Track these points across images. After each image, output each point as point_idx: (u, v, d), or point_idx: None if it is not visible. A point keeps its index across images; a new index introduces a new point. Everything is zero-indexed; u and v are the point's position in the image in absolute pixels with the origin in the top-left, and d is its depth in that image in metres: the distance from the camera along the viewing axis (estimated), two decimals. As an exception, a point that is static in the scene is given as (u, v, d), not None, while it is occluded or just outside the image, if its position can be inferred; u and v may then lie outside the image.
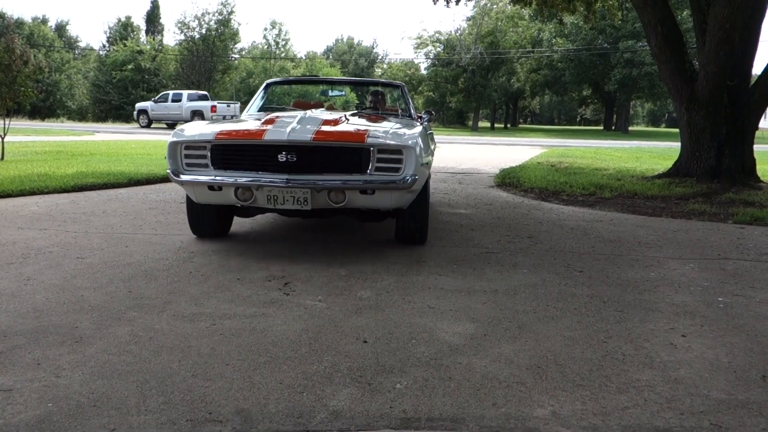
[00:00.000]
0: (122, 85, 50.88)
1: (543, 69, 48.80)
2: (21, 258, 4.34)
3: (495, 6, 48.63)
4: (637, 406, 2.34)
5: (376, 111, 6.39)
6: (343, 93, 6.85)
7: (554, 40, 46.59)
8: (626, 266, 4.56)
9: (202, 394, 2.34)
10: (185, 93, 32.14)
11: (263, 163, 4.28)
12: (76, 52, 65.31)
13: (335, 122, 4.67)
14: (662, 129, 70.81)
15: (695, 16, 10.07)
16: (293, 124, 4.37)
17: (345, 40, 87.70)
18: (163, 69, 53.04)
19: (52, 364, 2.56)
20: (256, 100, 6.67)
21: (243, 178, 4.24)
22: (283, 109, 6.10)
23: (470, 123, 52.83)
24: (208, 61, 51.36)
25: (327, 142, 4.22)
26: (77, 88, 56.84)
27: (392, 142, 4.24)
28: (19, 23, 54.07)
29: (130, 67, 50.76)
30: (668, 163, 11.46)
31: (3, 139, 11.85)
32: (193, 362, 2.62)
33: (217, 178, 4.30)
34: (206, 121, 5.02)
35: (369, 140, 4.22)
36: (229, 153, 4.38)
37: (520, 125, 66.47)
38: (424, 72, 53.90)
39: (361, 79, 8.76)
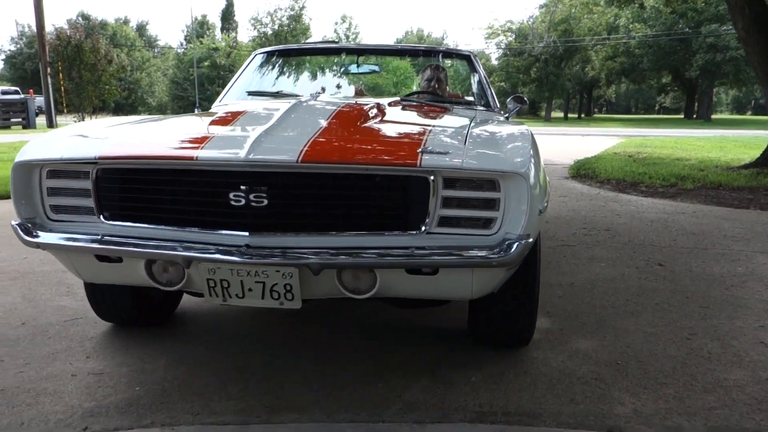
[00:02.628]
0: (199, 81, 52.43)
1: (619, 56, 47.23)
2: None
3: (569, -7, 47.43)
4: (724, 407, 2.24)
5: (435, 97, 3.68)
6: (378, 69, 4.22)
7: (632, 26, 45.03)
8: (711, 260, 4.37)
9: (278, 383, 2.39)
10: None
11: (202, 209, 2.08)
12: (156, 50, 67.69)
13: (357, 117, 2.52)
14: (748, 117, 67.47)
15: (786, -4, 9.52)
16: (267, 125, 2.16)
17: (414, 32, 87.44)
18: (238, 65, 54.33)
19: (139, 351, 2.67)
20: (237, 81, 4.04)
21: (161, 242, 2.09)
22: (279, 96, 3.69)
23: (543, 113, 51.82)
24: (281, 57, 52.15)
25: (331, 164, 1.99)
26: (157, 85, 58.94)
27: (477, 165, 1.96)
28: (103, 24, 56.52)
29: (206, 63, 52.26)
30: (755, 153, 10.91)
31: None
32: (270, 353, 2.67)
33: (108, 241, 2.12)
34: (106, 120, 2.72)
35: (426, 159, 1.96)
36: (131, 186, 2.15)
37: (594, 115, 64.73)
38: (495, 62, 53.19)
39: (404, 46, 4.75)
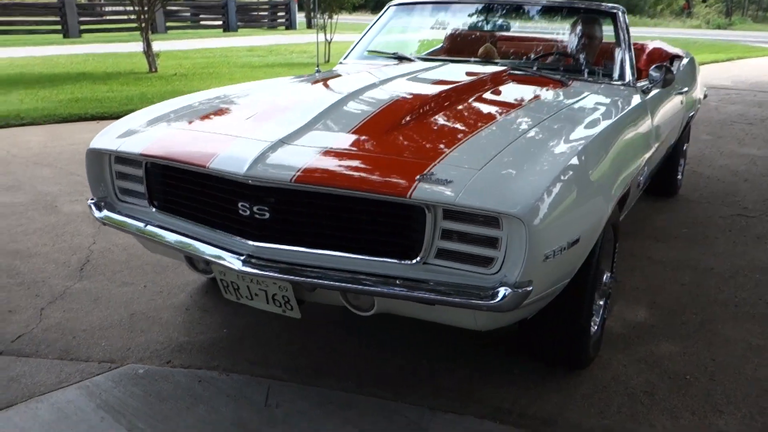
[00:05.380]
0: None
1: None
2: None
3: None
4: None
5: (565, 63, 3.43)
6: (507, 26, 3.90)
7: None
8: None
9: (335, 348, 2.65)
10: None
11: (218, 212, 2.21)
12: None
13: (399, 116, 2.38)
14: None
15: None
16: (292, 129, 2.23)
17: None
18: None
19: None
20: (365, 37, 3.90)
21: (185, 238, 2.27)
22: (395, 59, 3.60)
23: None
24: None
25: (323, 186, 1.97)
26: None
27: (471, 201, 1.82)
28: None
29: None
30: None
31: (329, 42, 13.40)
32: (342, 318, 2.84)
33: (148, 229, 2.36)
34: (178, 102, 2.83)
35: (419, 190, 1.86)
36: (168, 183, 2.36)
37: None
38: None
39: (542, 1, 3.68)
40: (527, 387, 2.40)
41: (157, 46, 12.67)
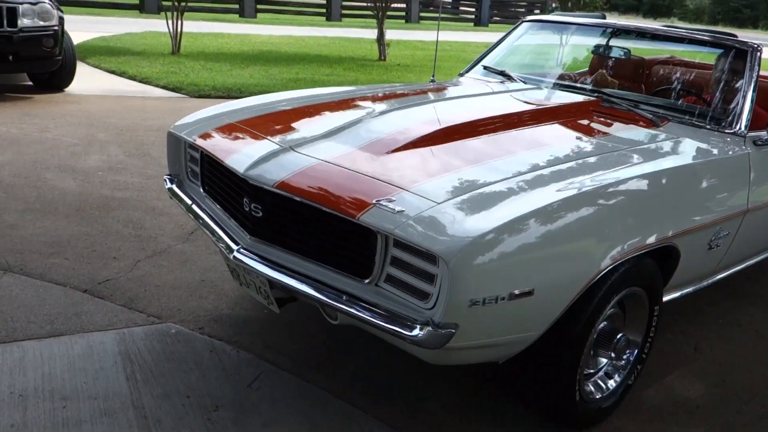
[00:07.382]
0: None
1: None
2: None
3: None
4: None
5: (679, 106, 3.06)
6: (624, 54, 3.33)
7: None
8: None
9: (341, 348, 2.75)
10: None
11: (233, 203, 2.44)
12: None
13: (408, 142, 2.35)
14: None
15: None
16: (302, 139, 2.41)
17: None
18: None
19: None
20: (492, 51, 3.87)
21: (209, 221, 2.51)
22: (503, 77, 3.56)
23: None
24: None
25: (296, 195, 2.07)
26: (702, -10, 54.88)
27: (407, 235, 1.81)
28: None
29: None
30: None
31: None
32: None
33: (195, 207, 2.65)
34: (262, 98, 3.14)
35: (368, 214, 1.90)
36: (210, 171, 2.65)
37: None
38: None
39: (674, 29, 3.32)
40: (505, 429, 2.30)
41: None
